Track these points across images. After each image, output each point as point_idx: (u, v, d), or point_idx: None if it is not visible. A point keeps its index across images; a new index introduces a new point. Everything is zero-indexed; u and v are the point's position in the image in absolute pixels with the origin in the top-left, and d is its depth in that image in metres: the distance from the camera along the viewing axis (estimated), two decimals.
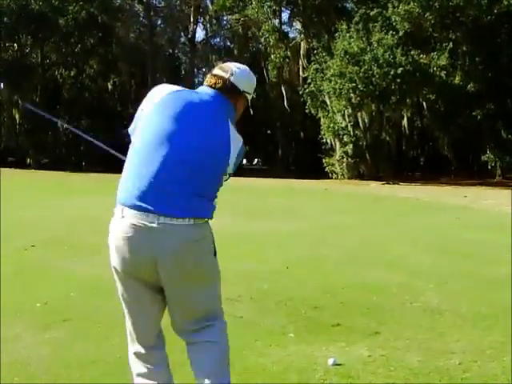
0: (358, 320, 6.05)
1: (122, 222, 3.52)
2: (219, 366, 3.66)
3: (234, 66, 3.77)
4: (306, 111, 36.24)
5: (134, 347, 3.77)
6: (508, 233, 11.93)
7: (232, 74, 3.70)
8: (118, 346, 5.29)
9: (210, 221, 3.58)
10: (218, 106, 3.63)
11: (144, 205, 3.40)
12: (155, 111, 3.57)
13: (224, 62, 3.91)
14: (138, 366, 3.76)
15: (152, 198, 3.40)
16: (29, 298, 6.79)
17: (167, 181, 3.42)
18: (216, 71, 3.74)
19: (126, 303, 3.75)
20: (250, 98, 3.85)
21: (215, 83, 3.68)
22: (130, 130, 3.72)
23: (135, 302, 3.71)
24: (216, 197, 3.60)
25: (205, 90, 3.70)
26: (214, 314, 3.70)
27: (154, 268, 3.48)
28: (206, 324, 3.65)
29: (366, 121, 33.61)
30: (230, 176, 3.69)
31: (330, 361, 4.84)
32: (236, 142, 3.59)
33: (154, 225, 3.38)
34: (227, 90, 3.68)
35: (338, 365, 4.81)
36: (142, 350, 3.74)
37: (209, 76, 3.76)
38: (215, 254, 3.63)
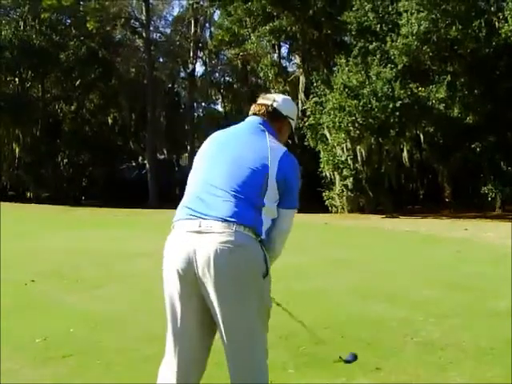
0: (358, 355, 6.01)
1: (171, 234, 3.69)
2: None
3: (275, 95, 4.13)
4: (305, 144, 36.29)
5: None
6: (508, 265, 11.90)
7: (274, 101, 4.00)
8: (119, 381, 5.27)
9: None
10: (256, 125, 3.89)
11: (188, 213, 3.61)
12: (202, 152, 3.93)
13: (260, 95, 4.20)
14: None
15: (196, 206, 3.62)
16: (28, 333, 6.76)
17: (208, 190, 3.64)
18: (259, 100, 4.06)
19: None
20: (293, 124, 4.11)
21: (259, 110, 3.97)
22: None
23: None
24: (262, 205, 3.63)
25: (248, 118, 4.00)
26: (248, 348, 3.62)
27: (194, 274, 3.54)
28: (240, 357, 3.61)
29: (366, 154, 33.66)
30: (289, 194, 3.75)
31: None
32: (276, 150, 3.74)
33: (196, 228, 3.53)
34: (270, 114, 3.96)
35: None
36: None
37: (253, 105, 4.05)
38: (265, 276, 3.58)
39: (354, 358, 4.82)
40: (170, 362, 3.71)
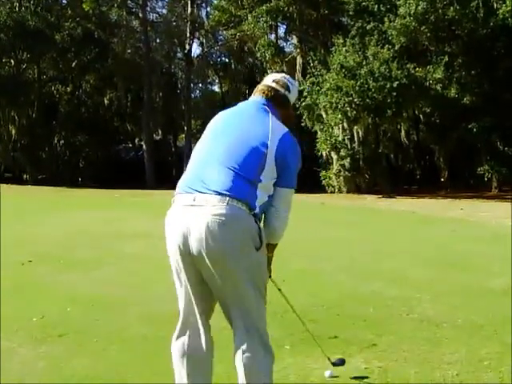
0: (354, 332, 6.05)
1: (171, 209, 3.80)
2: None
3: (288, 82, 4.10)
4: (302, 125, 36.21)
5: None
6: (504, 244, 11.93)
7: (288, 90, 4.05)
8: (115, 360, 5.28)
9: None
10: (260, 106, 3.95)
11: (186, 188, 3.72)
12: (207, 130, 4.03)
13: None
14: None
15: (193, 181, 3.72)
16: (25, 313, 6.78)
17: (207, 165, 3.74)
18: (271, 83, 4.07)
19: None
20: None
21: (267, 94, 4.00)
22: None
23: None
24: (258, 181, 3.69)
25: (252, 98, 4.08)
26: (247, 317, 3.71)
27: (189, 246, 3.64)
28: (242, 328, 3.71)
29: (363, 134, 33.63)
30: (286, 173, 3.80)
31: (327, 373, 4.83)
32: (277, 129, 3.82)
33: (190, 202, 3.64)
34: (278, 100, 4.01)
35: (335, 377, 4.81)
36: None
37: (262, 86, 4.08)
38: (258, 249, 3.66)
39: (342, 362, 4.92)
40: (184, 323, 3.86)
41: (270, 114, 3.88)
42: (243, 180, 3.64)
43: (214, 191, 3.58)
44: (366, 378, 4.84)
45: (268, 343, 3.74)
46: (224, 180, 3.62)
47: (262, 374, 3.69)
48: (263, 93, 4.01)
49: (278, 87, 4.03)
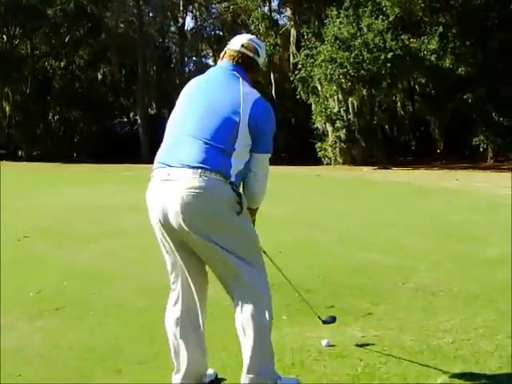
0: (350, 301, 6.08)
1: (151, 182, 3.83)
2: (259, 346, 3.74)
3: (256, 45, 4.05)
4: (297, 97, 36.18)
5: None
6: (498, 214, 11.97)
7: (257, 54, 4.00)
8: (112, 333, 5.31)
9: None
10: (229, 72, 3.92)
11: (161, 162, 3.77)
12: (179, 101, 4.02)
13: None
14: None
15: (167, 155, 3.77)
16: (22, 288, 6.81)
17: (180, 138, 3.78)
18: (240, 48, 3.99)
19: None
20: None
21: (237, 59, 3.95)
22: None
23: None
24: (231, 150, 3.70)
25: (221, 64, 4.04)
26: (239, 285, 3.76)
27: (170, 221, 3.69)
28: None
29: (358, 105, 33.58)
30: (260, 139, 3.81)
31: (324, 342, 4.86)
32: (249, 95, 3.80)
33: (165, 177, 3.69)
34: (248, 65, 3.97)
35: (332, 346, 4.83)
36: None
37: (230, 51, 4.00)
38: (239, 214, 3.69)
39: (333, 319, 4.97)
40: (175, 298, 3.95)
41: (241, 80, 3.87)
42: (215, 150, 3.65)
43: (187, 165, 3.62)
44: (370, 345, 4.87)
45: (263, 309, 3.76)
46: (196, 152, 3.65)
47: (262, 345, 3.75)
48: (232, 58, 3.97)
49: (248, 52, 3.99)
